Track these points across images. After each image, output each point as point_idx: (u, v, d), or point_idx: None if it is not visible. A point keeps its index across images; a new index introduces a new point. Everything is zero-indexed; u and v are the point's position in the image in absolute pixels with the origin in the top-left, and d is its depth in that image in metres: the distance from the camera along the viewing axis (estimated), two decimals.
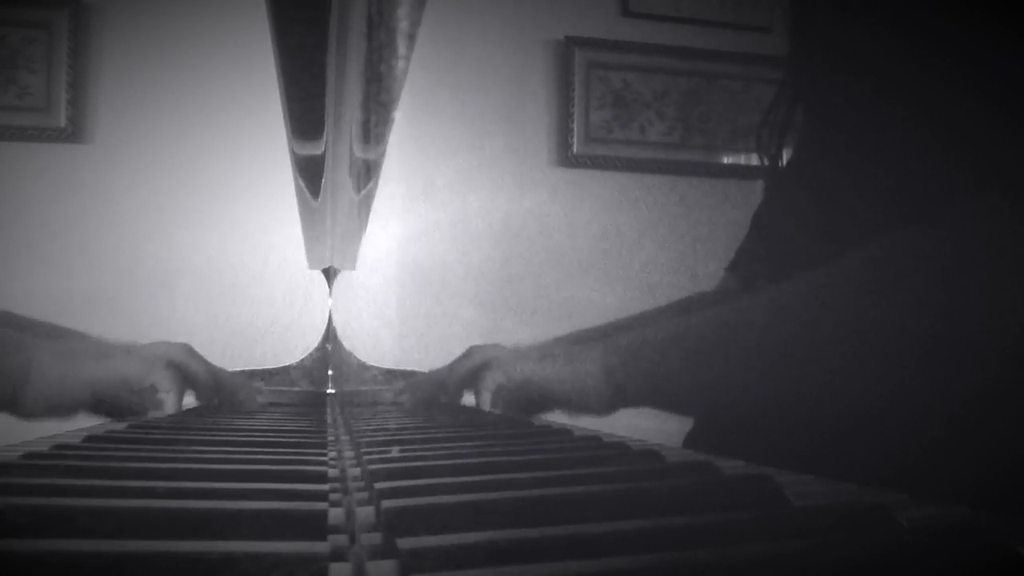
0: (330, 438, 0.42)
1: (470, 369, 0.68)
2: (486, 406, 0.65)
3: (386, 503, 0.20)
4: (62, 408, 0.60)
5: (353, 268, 1.20)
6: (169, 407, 0.63)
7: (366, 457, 0.30)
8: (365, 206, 0.87)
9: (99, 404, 0.62)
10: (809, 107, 0.55)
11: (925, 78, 0.42)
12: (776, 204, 0.60)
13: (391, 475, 0.25)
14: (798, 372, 0.45)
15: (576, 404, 0.60)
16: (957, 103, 0.40)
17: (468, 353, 0.69)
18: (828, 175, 0.50)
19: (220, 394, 0.71)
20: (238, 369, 1.04)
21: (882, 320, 0.40)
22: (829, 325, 0.43)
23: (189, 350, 0.67)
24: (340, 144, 0.64)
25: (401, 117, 0.61)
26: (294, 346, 1.31)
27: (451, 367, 0.71)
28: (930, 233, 0.39)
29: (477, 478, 0.24)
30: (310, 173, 0.70)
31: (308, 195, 0.76)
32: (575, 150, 1.85)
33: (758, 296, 0.51)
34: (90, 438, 0.38)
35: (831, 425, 0.45)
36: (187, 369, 0.66)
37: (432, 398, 0.76)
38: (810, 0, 0.53)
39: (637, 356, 0.55)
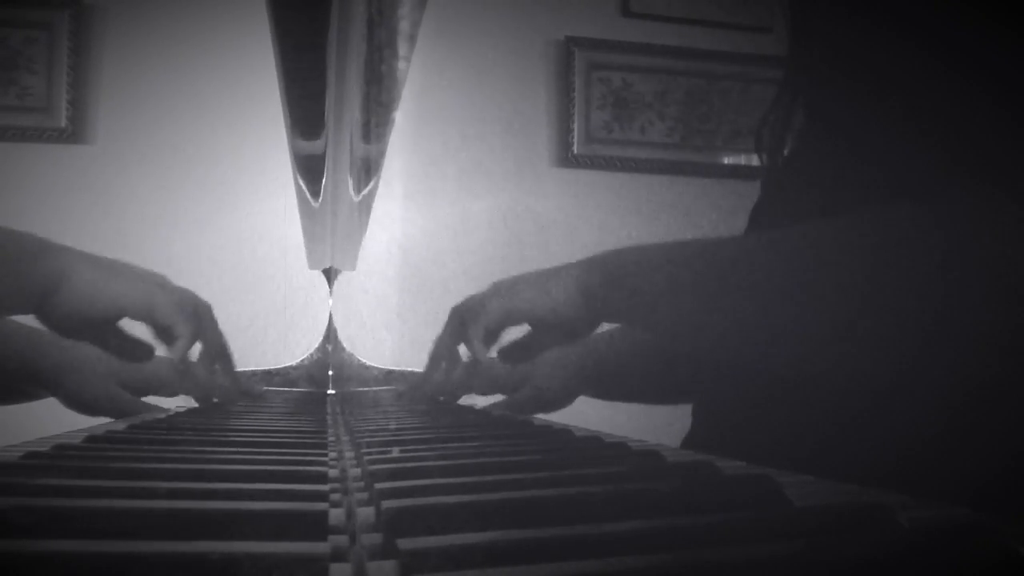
0: (330, 438, 0.42)
1: (450, 332, 0.67)
2: (481, 356, 0.64)
3: (386, 503, 0.20)
4: (90, 316, 0.60)
5: (353, 268, 1.20)
6: (179, 353, 0.63)
7: (366, 457, 0.30)
8: (365, 206, 0.87)
9: (112, 337, 0.63)
10: (808, 105, 0.55)
11: (923, 76, 0.42)
12: (773, 201, 0.60)
13: (391, 475, 0.25)
14: (772, 329, 0.44)
15: (555, 325, 0.58)
16: (955, 101, 0.40)
17: (449, 316, 0.69)
18: (826, 173, 0.50)
19: (221, 365, 0.71)
20: (238, 370, 1.04)
21: (878, 303, 0.40)
22: (825, 279, 0.42)
23: (211, 310, 0.68)
24: (340, 144, 0.64)
25: (401, 117, 0.61)
26: (294, 346, 1.31)
27: (435, 343, 0.71)
28: (924, 216, 0.39)
29: (477, 478, 0.24)
30: (310, 173, 0.70)
31: (308, 195, 0.76)
32: (575, 150, 1.85)
33: (758, 236, 0.50)
34: (91, 438, 0.38)
35: (823, 420, 0.45)
36: (207, 326, 0.66)
37: (430, 387, 0.76)
38: None
39: (620, 274, 0.54)
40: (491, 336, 0.65)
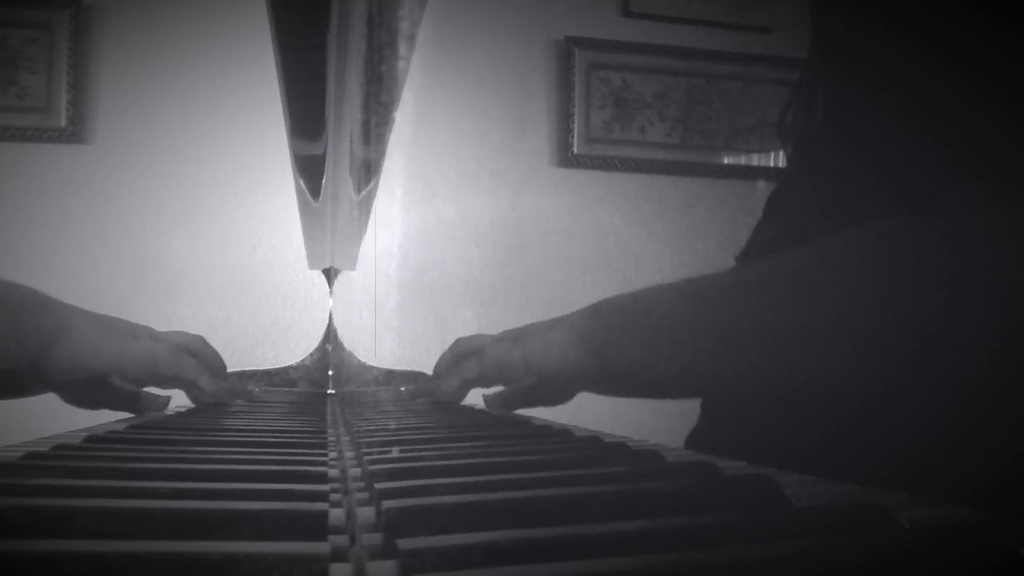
0: (330, 438, 0.42)
1: (450, 360, 0.68)
2: (449, 389, 0.65)
3: (386, 503, 0.20)
4: (88, 370, 0.60)
5: (353, 268, 1.20)
6: (207, 385, 0.64)
7: (366, 457, 0.30)
8: (365, 206, 0.87)
9: (105, 389, 0.63)
10: (827, 101, 0.55)
11: (939, 79, 0.42)
12: (792, 190, 0.60)
13: (391, 475, 0.25)
14: (781, 352, 0.44)
15: (557, 376, 0.58)
16: (968, 103, 0.40)
17: (453, 344, 0.69)
18: (844, 164, 0.50)
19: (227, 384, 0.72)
20: (238, 370, 1.04)
21: (874, 306, 0.40)
22: (819, 305, 0.42)
23: (203, 340, 0.69)
24: (340, 144, 0.64)
25: (401, 117, 0.61)
26: (294, 346, 1.31)
27: (437, 363, 0.72)
28: (922, 223, 0.39)
29: (477, 478, 0.24)
30: (310, 173, 0.70)
31: (308, 195, 0.76)
32: (575, 150, 1.84)
33: (747, 268, 0.50)
34: (91, 438, 0.38)
35: (823, 420, 0.45)
36: (208, 355, 0.67)
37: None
38: (827, 1, 0.53)
39: (616, 319, 0.54)
40: (485, 381, 0.65)
